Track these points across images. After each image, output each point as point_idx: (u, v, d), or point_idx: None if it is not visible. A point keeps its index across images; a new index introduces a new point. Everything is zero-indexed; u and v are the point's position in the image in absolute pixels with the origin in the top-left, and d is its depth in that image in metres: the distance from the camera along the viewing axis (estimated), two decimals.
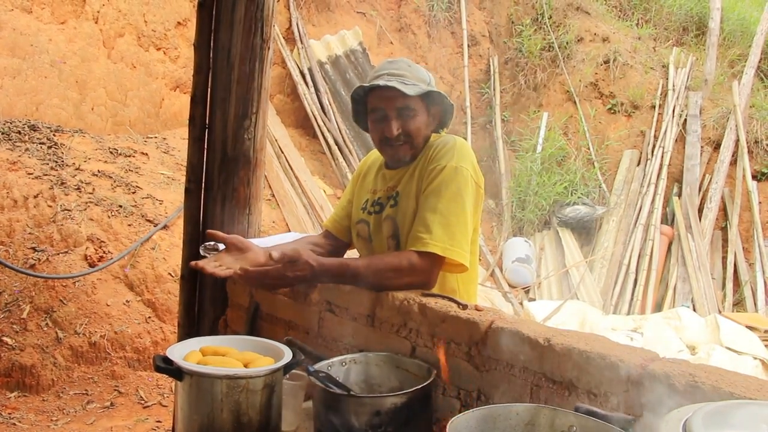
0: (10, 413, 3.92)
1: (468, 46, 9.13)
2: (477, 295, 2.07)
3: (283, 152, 6.84)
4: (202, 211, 2.39)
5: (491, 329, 1.53)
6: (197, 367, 1.46)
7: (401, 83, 1.89)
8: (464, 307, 1.64)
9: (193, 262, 2.08)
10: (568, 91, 8.74)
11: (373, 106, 1.98)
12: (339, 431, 1.41)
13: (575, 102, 8.61)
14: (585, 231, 7.63)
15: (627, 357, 1.31)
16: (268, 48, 2.42)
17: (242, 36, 2.35)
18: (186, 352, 1.53)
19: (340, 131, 7.42)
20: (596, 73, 8.77)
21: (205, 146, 2.39)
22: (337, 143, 7.35)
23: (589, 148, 8.21)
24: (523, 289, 7.00)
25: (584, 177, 7.94)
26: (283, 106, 7.67)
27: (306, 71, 7.63)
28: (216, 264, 1.99)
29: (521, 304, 6.57)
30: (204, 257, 2.25)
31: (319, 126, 7.41)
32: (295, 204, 6.43)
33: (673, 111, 8.12)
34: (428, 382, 1.48)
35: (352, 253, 2.26)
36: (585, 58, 8.90)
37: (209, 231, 2.07)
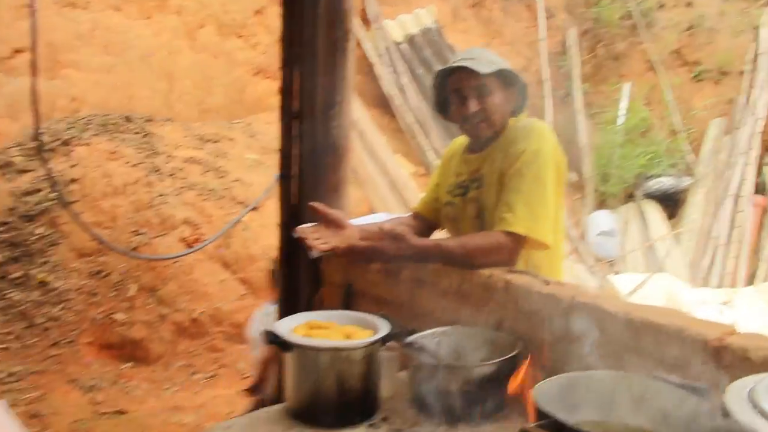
0: (125, 381, 4.29)
1: (544, 18, 8.97)
2: (562, 271, 2.14)
3: (364, 133, 6.97)
4: (296, 198, 2.56)
5: (572, 304, 1.62)
6: (303, 339, 1.61)
7: (475, 64, 1.99)
8: (547, 283, 1.73)
9: (299, 228, 2.22)
10: (649, 60, 8.47)
11: (452, 88, 2.09)
12: (432, 398, 1.54)
13: (658, 71, 8.34)
14: (671, 203, 7.45)
15: (705, 331, 1.36)
16: (349, 39, 2.55)
17: (325, 30, 2.48)
18: (292, 327, 1.69)
19: (418, 110, 7.49)
20: (679, 40, 8.44)
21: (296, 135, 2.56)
22: (418, 121, 7.41)
23: (672, 119, 7.96)
24: (609, 262, 6.92)
25: (669, 148, 7.71)
26: (361, 86, 7.78)
27: (383, 51, 7.71)
28: (316, 236, 2.13)
29: (605, 278, 6.51)
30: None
31: (397, 106, 7.51)
32: (378, 183, 6.56)
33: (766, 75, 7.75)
34: (515, 353, 1.59)
35: (437, 235, 2.38)
36: (667, 25, 8.58)
37: (313, 204, 2.21)
